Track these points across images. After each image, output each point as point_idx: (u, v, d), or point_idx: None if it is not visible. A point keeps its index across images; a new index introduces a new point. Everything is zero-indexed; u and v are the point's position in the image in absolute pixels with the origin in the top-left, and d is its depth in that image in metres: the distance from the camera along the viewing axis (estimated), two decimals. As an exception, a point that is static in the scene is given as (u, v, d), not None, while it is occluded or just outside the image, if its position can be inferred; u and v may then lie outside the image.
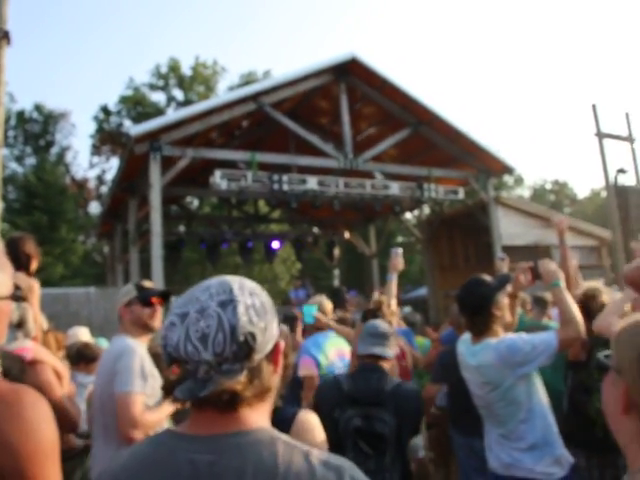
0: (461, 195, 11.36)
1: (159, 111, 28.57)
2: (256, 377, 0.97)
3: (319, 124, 13.05)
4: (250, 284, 1.03)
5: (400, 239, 41.63)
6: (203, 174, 14.02)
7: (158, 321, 2.49)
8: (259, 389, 0.97)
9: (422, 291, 17.94)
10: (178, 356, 0.95)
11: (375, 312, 3.62)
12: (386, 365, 2.64)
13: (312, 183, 9.88)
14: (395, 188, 10.72)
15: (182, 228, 17.57)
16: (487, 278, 2.63)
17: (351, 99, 10.77)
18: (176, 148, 8.99)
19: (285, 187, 9.55)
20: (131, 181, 10.59)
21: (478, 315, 2.51)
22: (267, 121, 11.76)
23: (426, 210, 15.49)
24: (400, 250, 4.24)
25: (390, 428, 2.42)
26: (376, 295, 4.11)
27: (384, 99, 11.01)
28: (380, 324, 2.76)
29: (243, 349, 0.95)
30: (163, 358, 0.98)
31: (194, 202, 26.99)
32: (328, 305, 4.04)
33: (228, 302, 0.97)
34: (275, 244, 15.42)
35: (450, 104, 69.10)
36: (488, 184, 11.97)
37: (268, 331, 1.00)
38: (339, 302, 6.89)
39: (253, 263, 23.75)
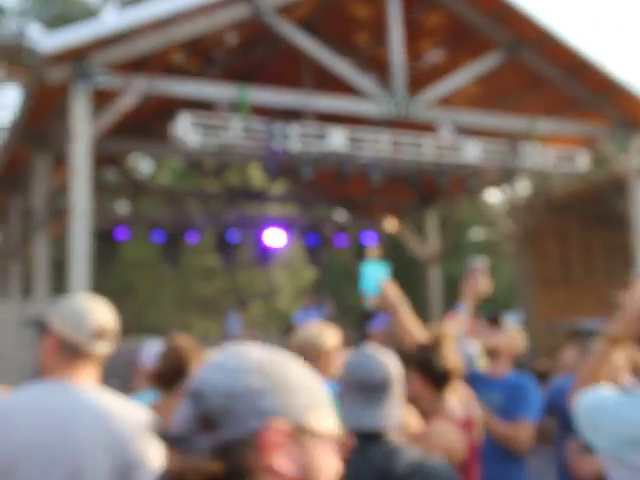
0: (583, 164, 11.29)
1: (89, 13, 28.68)
2: None
3: (352, 44, 13.01)
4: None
5: (478, 235, 41.46)
6: (160, 120, 14.06)
7: None
8: None
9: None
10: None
11: (428, 353, 3.52)
12: (394, 433, 2.72)
13: (337, 139, 9.86)
14: (473, 150, 10.69)
15: (124, 207, 17.61)
16: None
17: (406, 1, 10.73)
18: (116, 76, 8.99)
19: (292, 145, 9.54)
20: (40, 128, 10.62)
21: None
22: (267, 37, 11.72)
23: (523, 188, 15.31)
24: (483, 263, 4.39)
25: None
26: (437, 326, 4.07)
27: (460, 1, 10.99)
28: (372, 358, 2.77)
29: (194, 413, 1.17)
30: None
31: (144, 166, 27.12)
32: (329, 339, 4.01)
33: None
34: (275, 237, 15.45)
35: (569, 17, 68.91)
36: (630, 146, 11.86)
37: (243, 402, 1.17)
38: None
39: (238, 267, 23.85)
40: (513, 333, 4.43)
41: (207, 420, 1.15)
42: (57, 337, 2.60)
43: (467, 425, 3.76)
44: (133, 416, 2.51)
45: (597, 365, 2.68)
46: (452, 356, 3.60)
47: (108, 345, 2.64)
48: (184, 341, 3.84)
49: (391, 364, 2.79)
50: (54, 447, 2.36)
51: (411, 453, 2.66)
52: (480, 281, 4.31)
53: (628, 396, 2.50)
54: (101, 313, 2.59)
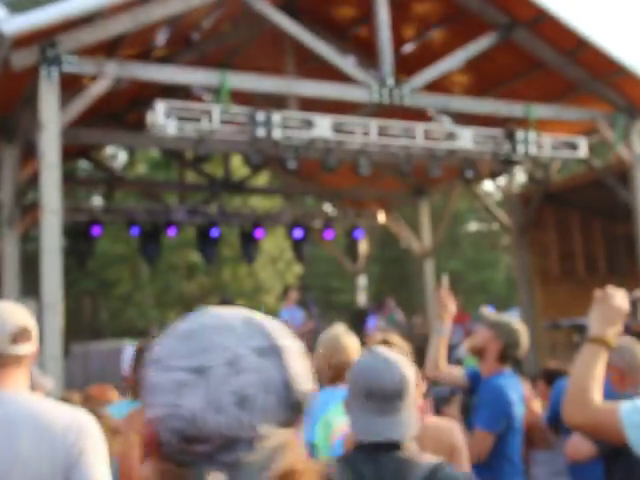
0: (583, 151, 11.33)
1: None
2: None
3: (337, 26, 13.02)
4: (279, 325, 1.18)
5: (474, 226, 41.53)
6: (135, 108, 14.03)
7: None
8: None
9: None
10: (201, 433, 1.04)
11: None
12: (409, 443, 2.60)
13: (323, 127, 9.87)
14: (467, 138, 10.71)
15: (98, 201, 17.55)
16: None
17: (394, -19, 10.77)
18: (88, 60, 8.94)
19: (277, 134, 9.53)
20: (6, 116, 10.62)
21: None
22: (248, 18, 11.66)
23: (520, 178, 15.36)
24: (445, 280, 4.48)
25: None
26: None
27: (452, -19, 11.05)
28: (385, 362, 2.61)
29: (294, 414, 1.10)
30: (160, 436, 1.07)
31: (120, 156, 27.07)
32: (340, 345, 3.99)
33: (269, 350, 1.10)
34: (259, 231, 15.50)
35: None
36: (632, 132, 11.91)
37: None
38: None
39: (221, 263, 23.83)
40: (498, 329, 4.41)
41: (296, 408, 1.11)
42: None
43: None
44: (68, 417, 2.54)
45: (589, 369, 2.67)
46: None
47: (30, 346, 2.63)
48: None
49: (406, 367, 2.65)
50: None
51: (426, 463, 2.57)
52: (446, 297, 4.39)
53: None
54: (17, 315, 2.58)
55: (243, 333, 1.10)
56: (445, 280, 4.49)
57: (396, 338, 3.96)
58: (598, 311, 2.68)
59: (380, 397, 2.57)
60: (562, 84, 11.95)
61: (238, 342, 1.09)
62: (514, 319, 4.71)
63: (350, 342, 4.06)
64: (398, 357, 2.69)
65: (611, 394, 3.84)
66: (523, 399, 4.42)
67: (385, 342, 3.77)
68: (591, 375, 2.59)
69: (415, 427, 2.62)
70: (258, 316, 1.17)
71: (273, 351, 1.10)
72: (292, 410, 1.10)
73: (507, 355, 4.42)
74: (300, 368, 1.13)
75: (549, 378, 5.97)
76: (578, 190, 13.85)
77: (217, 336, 1.10)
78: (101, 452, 2.55)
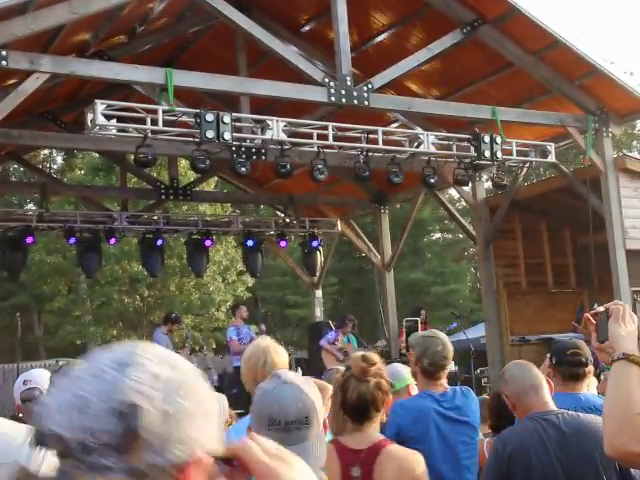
0: (551, 156, 11.42)
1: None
2: None
3: (292, 21, 13.02)
4: (178, 357, 1.24)
5: (437, 236, 41.89)
6: (72, 108, 13.88)
7: None
8: None
9: (476, 332, 17.98)
10: (48, 435, 1.13)
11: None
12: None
13: (277, 130, 9.85)
14: (430, 141, 10.77)
15: (31, 207, 17.31)
16: None
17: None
18: (19, 55, 8.77)
19: (226, 136, 9.45)
20: None
21: None
22: (197, 11, 11.69)
23: (486, 184, 15.46)
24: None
25: None
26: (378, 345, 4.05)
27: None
28: (292, 389, 2.56)
29: (121, 429, 1.10)
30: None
31: (56, 159, 26.78)
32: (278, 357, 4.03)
33: (125, 363, 1.16)
34: (207, 241, 15.38)
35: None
36: (603, 136, 12.01)
37: (178, 426, 1.15)
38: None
39: (166, 276, 23.60)
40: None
41: (133, 438, 1.11)
42: None
43: None
44: (11, 431, 2.53)
45: (632, 388, 2.56)
46: None
47: None
48: None
49: (311, 394, 2.61)
50: None
51: None
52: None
53: None
54: None
55: (119, 350, 1.20)
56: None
57: (376, 357, 3.93)
58: (618, 327, 2.62)
59: (283, 425, 2.55)
60: (531, 86, 12.04)
61: (109, 356, 1.19)
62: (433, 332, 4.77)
63: (278, 356, 4.06)
64: (304, 383, 2.65)
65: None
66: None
67: (365, 360, 3.75)
68: (637, 395, 2.47)
69: (322, 457, 2.59)
70: (169, 352, 1.24)
71: (129, 365, 1.16)
72: (117, 419, 1.11)
73: (423, 369, 4.48)
74: (145, 384, 1.15)
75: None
76: (547, 197, 13.94)
77: (99, 352, 1.21)
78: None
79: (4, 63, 8.63)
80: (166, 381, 1.16)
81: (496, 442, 3.76)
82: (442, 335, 4.61)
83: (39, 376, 4.70)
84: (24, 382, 4.64)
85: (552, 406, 3.68)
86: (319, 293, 18.61)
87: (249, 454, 1.18)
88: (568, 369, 4.19)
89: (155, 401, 1.14)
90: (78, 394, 1.13)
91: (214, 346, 25.23)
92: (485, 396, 7.11)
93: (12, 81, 8.94)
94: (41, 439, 1.16)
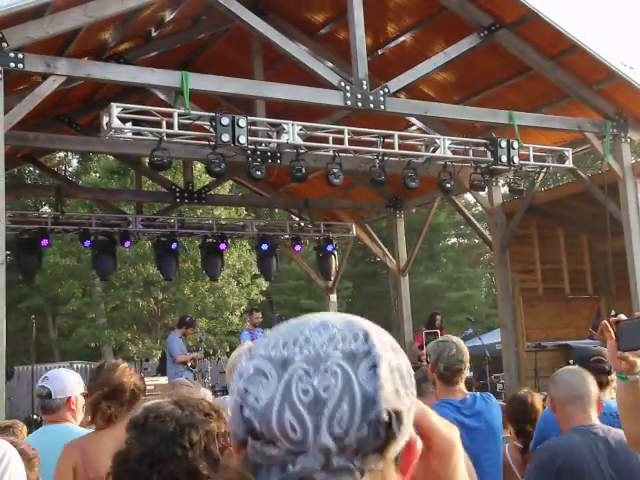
0: (569, 162, 11.40)
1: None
2: None
3: (308, 25, 13.01)
4: (388, 335, 1.16)
5: (453, 241, 41.80)
6: (88, 111, 13.91)
7: None
8: None
9: (492, 337, 17.90)
10: (267, 430, 1.04)
11: None
12: None
13: (292, 133, 9.82)
14: (446, 146, 10.76)
15: (47, 210, 17.35)
16: None
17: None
18: (36, 58, 8.80)
19: (242, 139, 9.43)
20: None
21: None
22: (212, 15, 11.69)
23: (502, 189, 15.42)
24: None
25: None
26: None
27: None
28: None
29: (378, 437, 1.05)
30: (233, 427, 1.09)
31: (71, 162, 26.86)
32: None
33: (362, 355, 1.07)
34: (223, 244, 15.39)
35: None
36: (622, 142, 11.96)
37: (410, 416, 1.10)
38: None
39: (180, 279, 23.64)
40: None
41: (381, 429, 1.05)
42: None
43: None
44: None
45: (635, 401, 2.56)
46: None
47: None
48: (121, 371, 3.75)
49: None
50: None
51: None
52: None
53: None
54: None
55: (336, 333, 1.10)
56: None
57: None
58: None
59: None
60: (549, 90, 12.01)
61: (328, 341, 1.09)
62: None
63: None
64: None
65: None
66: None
67: None
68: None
69: None
70: (363, 321, 1.16)
71: (366, 359, 1.08)
72: (372, 429, 1.05)
73: (439, 375, 4.44)
74: (396, 385, 1.09)
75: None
76: (564, 203, 13.90)
77: (308, 331, 1.11)
78: None
79: (20, 66, 8.65)
80: (404, 373, 1.11)
81: (542, 453, 3.66)
82: (456, 339, 4.59)
83: (55, 378, 4.65)
84: (42, 379, 4.58)
85: (595, 420, 3.60)
86: (334, 297, 18.57)
87: (429, 421, 1.15)
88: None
89: (403, 399, 1.09)
90: (319, 394, 1.06)
91: (228, 350, 25.24)
92: (501, 402, 7.10)
93: (28, 84, 8.95)
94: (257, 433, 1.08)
